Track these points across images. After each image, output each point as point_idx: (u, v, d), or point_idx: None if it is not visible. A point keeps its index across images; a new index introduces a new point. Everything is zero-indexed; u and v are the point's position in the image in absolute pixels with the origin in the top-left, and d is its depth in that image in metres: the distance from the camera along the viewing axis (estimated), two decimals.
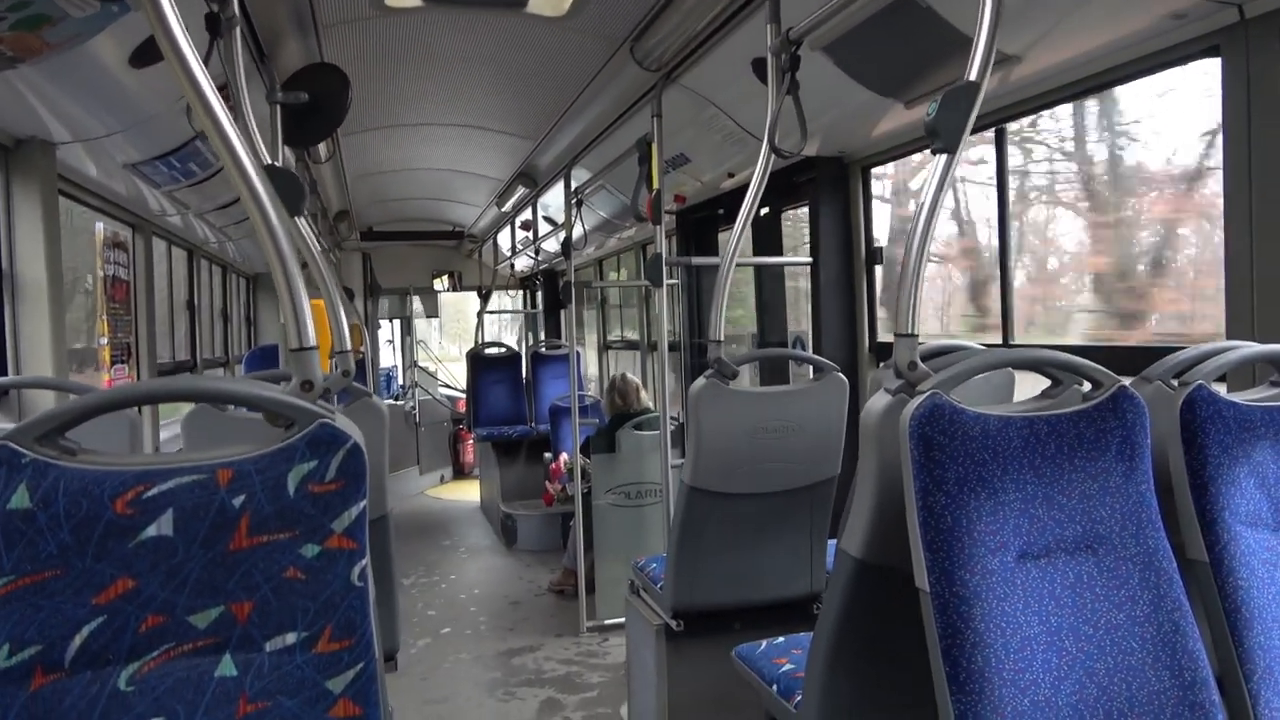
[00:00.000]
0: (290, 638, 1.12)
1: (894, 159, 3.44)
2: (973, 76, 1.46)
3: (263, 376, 1.75)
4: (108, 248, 3.81)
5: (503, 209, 6.90)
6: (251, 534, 1.11)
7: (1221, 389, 1.55)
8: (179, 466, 1.09)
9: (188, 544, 1.09)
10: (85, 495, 1.06)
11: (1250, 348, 1.63)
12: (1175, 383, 1.56)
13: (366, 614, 1.15)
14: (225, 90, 2.15)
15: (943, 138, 1.45)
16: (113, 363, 3.81)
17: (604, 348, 8.04)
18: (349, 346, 2.19)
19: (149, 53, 2.25)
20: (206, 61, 1.97)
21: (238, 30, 2.12)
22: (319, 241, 4.85)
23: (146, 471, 1.08)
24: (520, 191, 6.04)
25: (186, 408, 2.27)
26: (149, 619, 1.09)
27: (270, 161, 2.42)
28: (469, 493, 8.63)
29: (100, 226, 3.74)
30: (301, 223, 2.19)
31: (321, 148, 4.51)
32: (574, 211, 4.80)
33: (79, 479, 1.06)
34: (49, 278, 2.70)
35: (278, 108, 2.77)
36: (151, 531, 1.08)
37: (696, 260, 3.44)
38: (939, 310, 3.53)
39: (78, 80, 2.32)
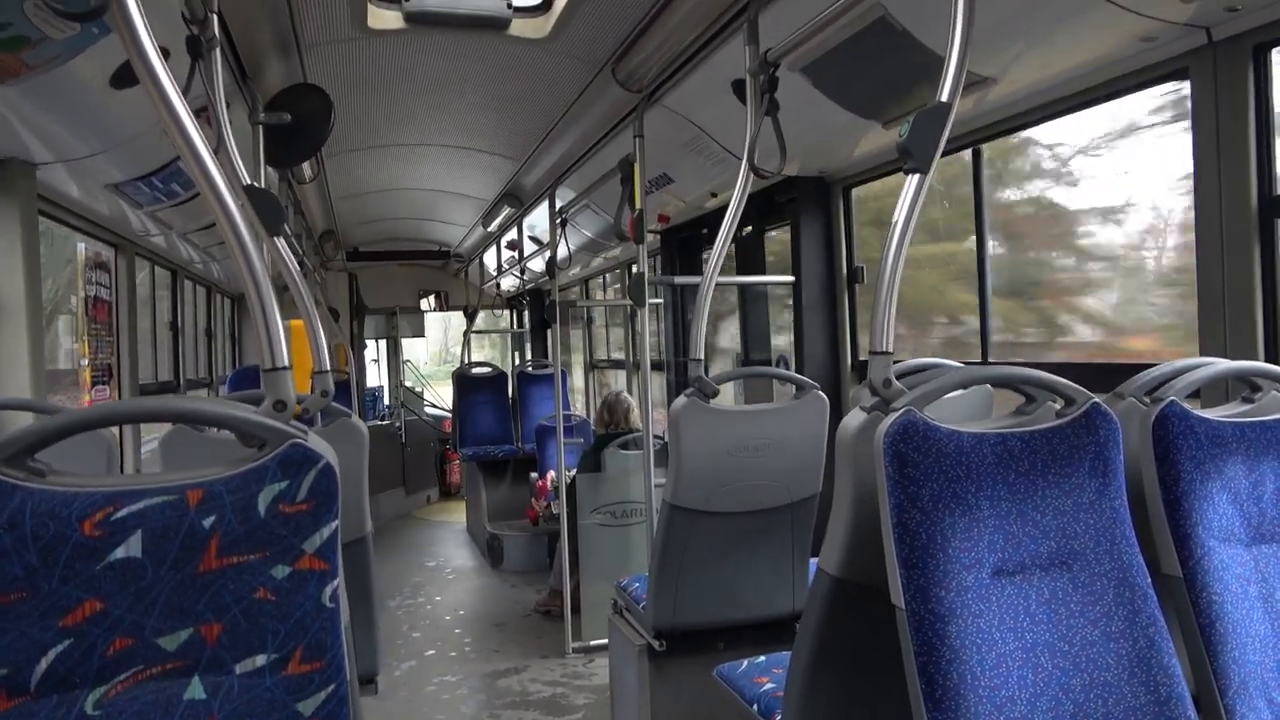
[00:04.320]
0: (260, 660, 1.11)
1: (874, 179, 3.47)
2: (944, 97, 1.48)
3: (240, 397, 1.75)
4: (90, 268, 3.80)
5: (488, 229, 6.92)
6: (221, 555, 1.10)
7: (1194, 405, 1.56)
8: (148, 488, 1.08)
9: (157, 565, 1.08)
10: (53, 517, 1.05)
11: (1222, 364, 1.65)
12: (1148, 399, 1.58)
13: (338, 635, 1.14)
14: (206, 111, 2.16)
15: (915, 157, 1.47)
16: (94, 384, 3.78)
17: (590, 367, 8.05)
18: (328, 367, 2.19)
19: (129, 74, 2.25)
20: (188, 83, 1.98)
21: (219, 51, 2.13)
22: (303, 262, 4.85)
23: (115, 493, 1.07)
24: (505, 211, 6.06)
25: (167, 429, 2.25)
26: (117, 641, 1.08)
27: (250, 182, 2.42)
28: (455, 513, 8.58)
29: (82, 247, 3.73)
30: (282, 244, 2.19)
31: (306, 168, 4.51)
32: (559, 231, 4.82)
33: (47, 500, 1.05)
34: (28, 298, 2.68)
35: (260, 128, 2.78)
36: (120, 553, 1.07)
37: (679, 279, 3.46)
38: None
39: (58, 101, 2.32)
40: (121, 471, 3.15)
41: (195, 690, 1.10)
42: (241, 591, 1.11)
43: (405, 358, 10.36)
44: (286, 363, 1.26)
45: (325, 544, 1.14)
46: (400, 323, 10.02)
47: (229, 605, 1.11)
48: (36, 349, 2.73)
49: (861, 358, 3.59)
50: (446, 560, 6.93)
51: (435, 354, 15.22)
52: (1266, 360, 1.94)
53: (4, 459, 1.06)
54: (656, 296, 4.94)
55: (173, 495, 1.09)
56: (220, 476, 1.11)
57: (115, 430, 2.96)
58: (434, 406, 10.47)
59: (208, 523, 1.09)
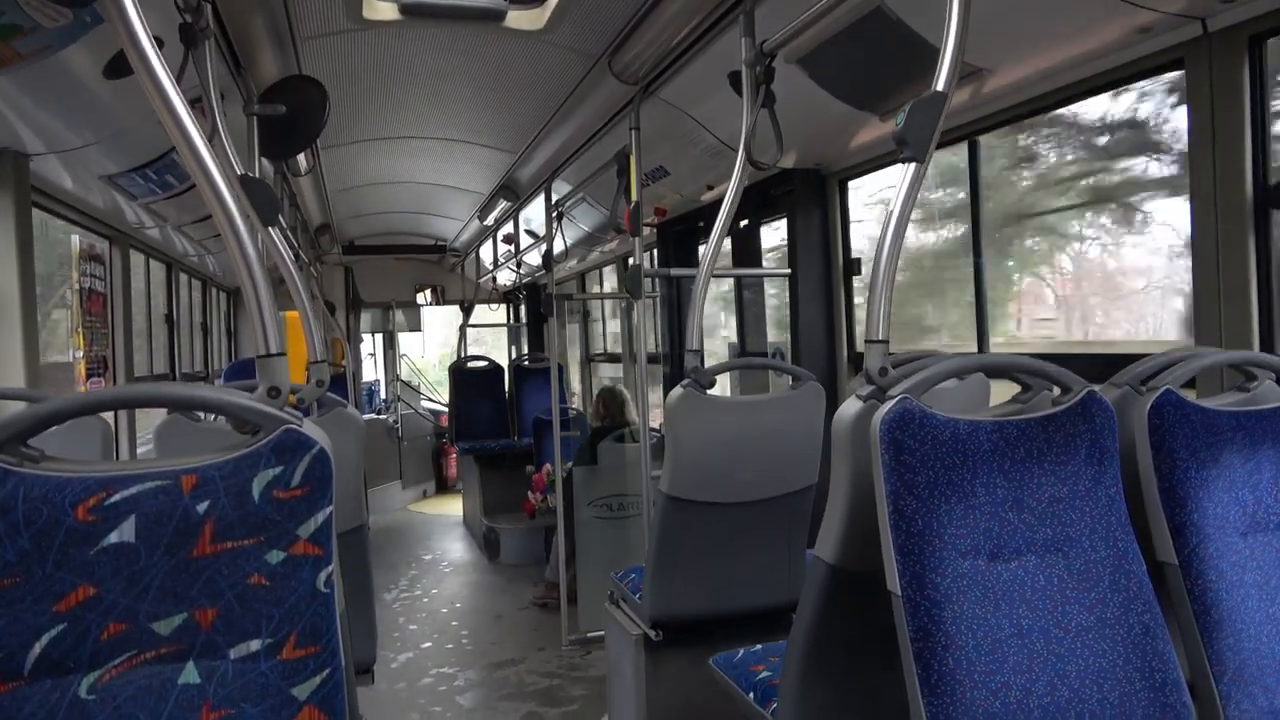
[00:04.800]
0: (254, 644, 1.11)
1: (871, 171, 3.47)
2: (940, 87, 1.48)
3: (236, 387, 1.75)
4: (84, 260, 3.78)
5: (485, 222, 6.91)
6: (215, 540, 1.10)
7: (1190, 395, 1.57)
8: (142, 473, 1.08)
9: (150, 550, 1.08)
10: (46, 502, 1.05)
11: (1217, 354, 1.66)
12: (1143, 388, 1.58)
13: (333, 620, 1.15)
14: (200, 103, 2.15)
15: (911, 147, 1.48)
16: (89, 376, 3.77)
17: (587, 360, 8.04)
18: (321, 357, 2.18)
19: (124, 64, 2.24)
20: (181, 72, 1.97)
21: (212, 41, 2.12)
22: (299, 255, 4.84)
23: (108, 478, 1.07)
24: (502, 205, 6.05)
25: (163, 420, 2.25)
26: (110, 626, 1.08)
27: (244, 172, 2.41)
28: (452, 507, 8.59)
29: (76, 239, 3.71)
30: (278, 235, 2.19)
31: (301, 160, 4.50)
32: (555, 225, 4.81)
33: (40, 486, 1.05)
34: (21, 290, 2.68)
35: (254, 119, 2.77)
36: (113, 538, 1.07)
37: (675, 271, 3.46)
38: None
39: (52, 91, 2.30)
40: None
41: (189, 675, 1.10)
42: (236, 576, 1.11)
43: (402, 352, 10.34)
44: (280, 349, 1.25)
45: (320, 529, 1.14)
46: (396, 317, 10.00)
47: (223, 590, 1.11)
48: (31, 341, 2.73)
49: (858, 349, 3.59)
50: (443, 553, 6.93)
51: (445, 357, 13.78)
52: (1262, 350, 1.94)
53: None
54: (653, 290, 4.94)
55: (166, 480, 1.09)
56: (214, 462, 1.11)
57: (111, 419, 2.96)
58: (430, 401, 10.46)
59: (201, 508, 1.09)
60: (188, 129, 1.24)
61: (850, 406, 1.47)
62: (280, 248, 2.13)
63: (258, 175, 2.76)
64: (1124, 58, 2.20)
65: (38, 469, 1.06)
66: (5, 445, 1.06)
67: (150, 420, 4.30)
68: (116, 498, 1.07)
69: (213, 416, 2.41)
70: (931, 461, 1.33)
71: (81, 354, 3.71)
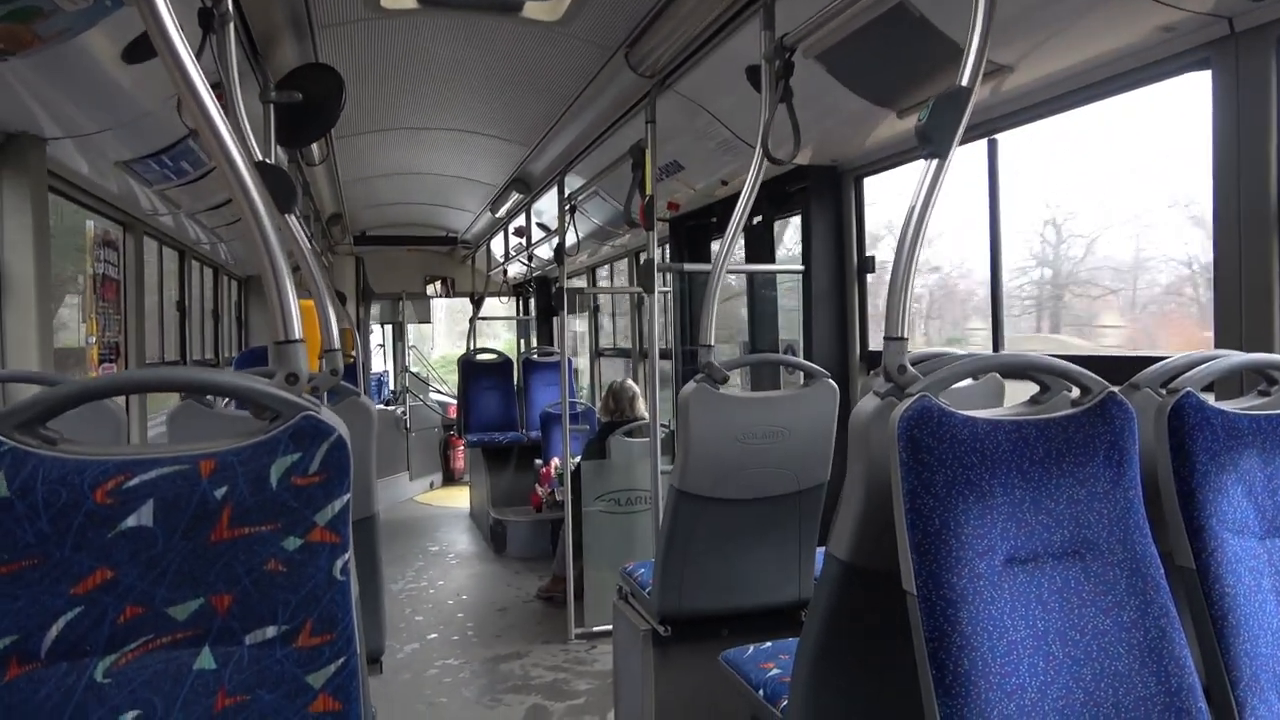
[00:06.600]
0: (270, 631, 1.11)
1: (887, 168, 3.45)
2: (964, 82, 1.47)
3: (253, 373, 1.75)
4: (98, 246, 3.80)
5: (496, 215, 6.91)
6: (233, 525, 1.10)
7: (1209, 397, 1.55)
8: (160, 457, 1.08)
9: (168, 535, 1.08)
10: (64, 484, 1.05)
11: (1238, 356, 1.64)
12: (1163, 390, 1.57)
13: (348, 608, 1.14)
14: (218, 88, 2.14)
15: (934, 143, 1.46)
16: (101, 361, 3.79)
17: (596, 354, 8.04)
18: (338, 346, 2.18)
19: (142, 48, 2.24)
20: (199, 58, 1.97)
21: (231, 27, 2.12)
22: (311, 243, 4.85)
23: (127, 461, 1.07)
24: (514, 197, 6.05)
25: (174, 407, 2.25)
26: (127, 610, 1.08)
27: (262, 159, 2.41)
28: (459, 499, 8.61)
29: (91, 224, 3.73)
30: (293, 223, 2.18)
31: (315, 150, 4.50)
32: (567, 218, 4.81)
33: (59, 468, 1.05)
34: (37, 275, 2.69)
35: (271, 107, 2.77)
36: (131, 522, 1.07)
37: (689, 266, 3.45)
38: None
39: (69, 75, 2.31)
40: None
41: (205, 660, 1.09)
42: (253, 562, 1.10)
43: (411, 343, 10.36)
44: (299, 335, 1.25)
45: (336, 517, 1.13)
46: (406, 308, 10.02)
47: (240, 576, 1.10)
48: (45, 325, 2.74)
49: (871, 348, 3.58)
50: (450, 545, 6.95)
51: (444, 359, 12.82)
52: None
53: (16, 425, 1.05)
54: (665, 285, 4.92)
55: (185, 465, 1.08)
56: (232, 447, 1.10)
57: (123, 404, 2.97)
58: (439, 392, 10.47)
59: (219, 493, 1.09)
60: (210, 113, 1.24)
61: (868, 403, 1.46)
62: (297, 235, 2.12)
63: (274, 163, 2.76)
64: (1148, 57, 2.18)
65: (56, 451, 1.06)
66: (24, 426, 1.06)
67: (158, 405, 4.32)
68: (135, 481, 1.07)
69: (225, 402, 2.42)
70: (949, 460, 1.32)
71: (94, 339, 3.72)
